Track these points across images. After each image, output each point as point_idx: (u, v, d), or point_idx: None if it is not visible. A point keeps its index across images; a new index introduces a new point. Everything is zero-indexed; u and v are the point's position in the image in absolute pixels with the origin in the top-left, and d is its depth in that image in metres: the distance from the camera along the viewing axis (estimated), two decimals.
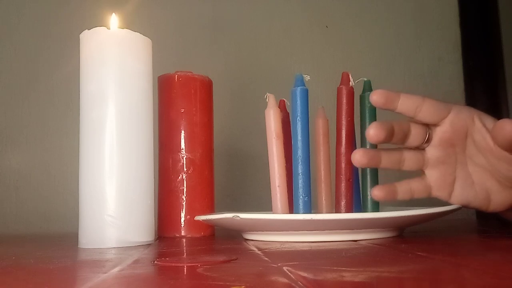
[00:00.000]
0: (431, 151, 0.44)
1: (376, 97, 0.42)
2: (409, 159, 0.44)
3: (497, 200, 0.43)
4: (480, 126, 0.42)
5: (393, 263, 0.32)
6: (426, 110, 0.42)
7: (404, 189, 0.44)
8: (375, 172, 0.52)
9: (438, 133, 0.43)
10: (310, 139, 0.51)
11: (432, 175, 0.44)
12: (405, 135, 0.43)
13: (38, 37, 0.87)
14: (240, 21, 0.94)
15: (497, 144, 0.40)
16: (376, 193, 0.43)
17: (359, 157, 0.42)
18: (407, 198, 0.44)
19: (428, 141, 0.44)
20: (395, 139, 0.42)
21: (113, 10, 0.52)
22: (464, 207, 0.45)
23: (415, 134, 0.43)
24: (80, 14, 0.85)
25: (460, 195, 0.44)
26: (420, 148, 0.44)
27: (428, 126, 0.44)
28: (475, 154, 0.43)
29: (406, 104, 0.42)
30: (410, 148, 0.44)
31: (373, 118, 0.53)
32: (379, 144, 0.45)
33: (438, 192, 0.44)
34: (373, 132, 0.41)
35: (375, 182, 0.52)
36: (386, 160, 0.43)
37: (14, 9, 0.87)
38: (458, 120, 0.43)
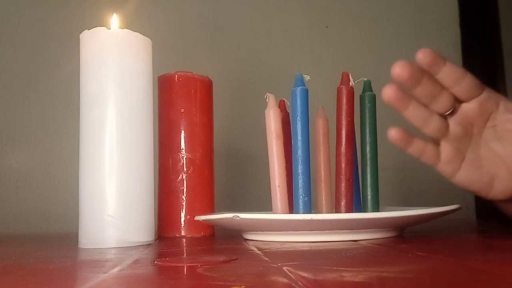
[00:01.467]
0: (451, 125, 0.43)
1: (423, 56, 0.40)
2: (435, 123, 0.42)
3: (500, 187, 0.43)
4: (504, 111, 0.42)
5: (393, 263, 0.32)
6: (465, 84, 0.41)
7: (418, 145, 0.42)
8: (375, 172, 0.52)
9: (464, 109, 0.43)
10: (310, 139, 0.51)
11: (445, 149, 0.43)
12: (433, 95, 0.41)
13: (38, 37, 0.87)
14: (240, 21, 0.94)
15: None
16: (393, 132, 0.42)
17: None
18: (416, 155, 0.43)
19: (453, 113, 0.43)
20: (421, 90, 0.41)
21: (113, 10, 0.52)
22: (464, 189, 0.45)
23: (444, 100, 0.42)
24: (80, 14, 0.85)
25: (464, 175, 0.44)
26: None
27: (456, 99, 0.43)
28: (492, 139, 0.43)
29: (449, 72, 0.41)
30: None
31: (373, 118, 0.53)
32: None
33: (444, 166, 0.44)
34: (399, 68, 0.40)
35: (375, 182, 0.52)
36: (414, 109, 0.42)
37: (14, 9, 0.87)
38: (486, 102, 0.42)
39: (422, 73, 0.40)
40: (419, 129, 0.43)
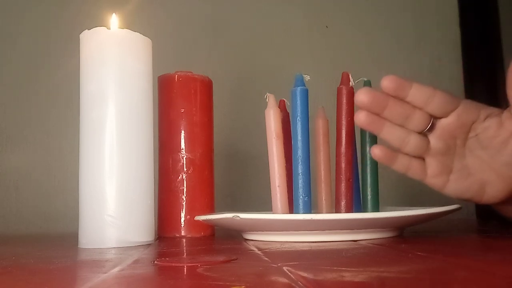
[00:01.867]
0: (432, 141, 0.43)
1: (387, 83, 0.40)
2: (414, 141, 0.42)
3: (491, 192, 0.44)
4: (483, 119, 0.42)
5: (393, 263, 0.32)
6: (436, 102, 0.41)
7: (403, 161, 0.43)
8: (375, 172, 0.52)
9: (443, 124, 0.43)
10: (310, 139, 0.51)
11: (431, 164, 0.44)
12: (405, 115, 0.42)
13: (38, 37, 0.87)
14: (240, 21, 0.94)
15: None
16: (376, 151, 0.42)
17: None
18: (402, 171, 0.43)
19: (431, 129, 0.43)
20: (389, 112, 0.41)
21: (113, 10, 0.52)
22: (457, 199, 0.45)
23: (418, 119, 0.42)
24: (80, 14, 0.85)
25: (453, 186, 0.44)
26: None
27: (433, 115, 0.43)
28: (476, 147, 0.43)
29: (417, 94, 0.41)
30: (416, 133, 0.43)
31: None
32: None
33: (432, 180, 0.44)
34: (362, 95, 0.41)
35: (375, 182, 0.52)
36: (390, 129, 0.42)
37: (15, 9, 0.87)
38: (465, 113, 0.42)
39: (386, 98, 0.41)
40: (398, 148, 0.43)
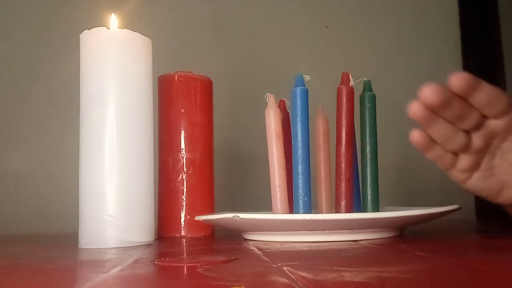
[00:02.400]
0: (474, 139, 0.41)
1: (458, 81, 0.37)
2: (459, 141, 0.40)
3: (508, 194, 0.43)
4: None
5: (393, 263, 0.32)
6: (499, 106, 0.39)
7: (437, 152, 0.41)
8: (375, 172, 0.52)
9: (491, 125, 0.40)
10: (310, 139, 0.51)
11: (464, 159, 0.42)
12: (462, 116, 0.39)
13: (38, 37, 0.87)
14: (240, 21, 0.94)
15: None
16: (416, 135, 0.40)
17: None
18: (434, 159, 0.41)
19: (478, 128, 0.41)
20: (452, 113, 0.38)
21: (113, 10, 0.52)
22: (473, 194, 0.45)
23: (471, 119, 0.39)
24: (80, 14, 0.85)
25: (475, 182, 0.43)
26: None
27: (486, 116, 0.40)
28: (508, 148, 0.42)
29: (483, 97, 0.38)
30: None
31: (373, 118, 0.53)
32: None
33: (457, 173, 0.43)
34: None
35: (375, 182, 0.52)
36: (440, 127, 0.39)
37: (14, 9, 0.87)
38: None
39: (452, 98, 0.38)
40: (440, 144, 0.41)
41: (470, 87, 0.37)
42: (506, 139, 0.42)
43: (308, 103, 0.51)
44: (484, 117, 0.40)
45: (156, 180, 0.57)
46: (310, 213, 0.50)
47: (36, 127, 0.85)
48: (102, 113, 0.48)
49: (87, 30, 0.50)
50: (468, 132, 0.41)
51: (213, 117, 0.63)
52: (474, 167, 0.43)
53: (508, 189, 0.43)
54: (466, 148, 0.41)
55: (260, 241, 0.48)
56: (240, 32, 0.93)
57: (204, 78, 0.62)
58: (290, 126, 0.53)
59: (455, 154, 0.42)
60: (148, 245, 0.49)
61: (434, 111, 0.39)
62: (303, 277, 0.25)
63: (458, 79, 0.37)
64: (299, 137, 0.50)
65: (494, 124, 0.40)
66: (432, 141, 0.41)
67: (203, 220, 0.50)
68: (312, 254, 0.37)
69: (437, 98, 0.37)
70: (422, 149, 0.41)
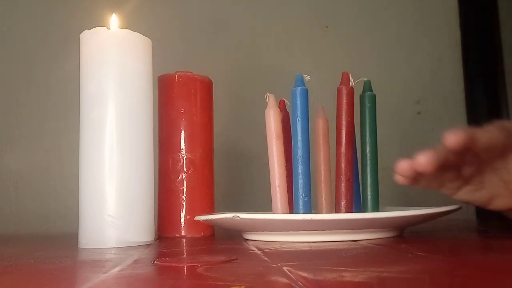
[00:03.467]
0: (466, 168, 0.42)
1: (453, 141, 0.36)
2: (449, 180, 0.42)
3: (498, 204, 0.44)
4: None
5: (393, 263, 0.32)
6: (494, 147, 0.39)
7: (423, 183, 0.42)
8: (375, 172, 0.52)
9: (483, 156, 0.41)
10: (310, 139, 0.51)
11: (451, 178, 0.42)
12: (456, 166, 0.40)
13: (38, 37, 0.87)
14: (240, 21, 0.94)
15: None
16: (399, 177, 0.40)
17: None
18: (422, 187, 0.42)
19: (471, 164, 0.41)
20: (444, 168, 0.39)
21: (113, 10, 0.52)
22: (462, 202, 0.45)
23: (465, 167, 0.41)
24: (80, 14, 0.85)
25: (465, 195, 0.44)
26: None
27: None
28: (501, 167, 0.42)
29: (480, 148, 0.38)
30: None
31: (373, 118, 0.53)
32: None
33: (446, 190, 0.43)
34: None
35: (375, 182, 0.52)
36: (427, 182, 0.41)
37: (14, 9, 0.87)
38: (507, 144, 0.40)
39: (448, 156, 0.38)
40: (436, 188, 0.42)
41: (466, 144, 0.36)
42: (499, 158, 0.42)
43: (308, 103, 0.51)
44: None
45: (156, 180, 0.57)
46: (310, 213, 0.50)
47: (36, 127, 0.85)
48: (102, 113, 0.48)
49: (87, 30, 0.50)
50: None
51: (213, 117, 0.63)
52: (462, 183, 0.43)
53: (498, 199, 0.43)
54: (455, 180, 0.42)
55: (260, 241, 0.48)
56: (240, 32, 0.93)
57: (204, 78, 0.62)
58: (290, 126, 0.53)
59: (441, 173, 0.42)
60: (148, 245, 0.49)
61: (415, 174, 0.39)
62: (303, 277, 0.25)
63: (454, 138, 0.36)
64: (299, 137, 0.50)
65: (486, 155, 0.40)
66: (416, 179, 0.40)
67: (203, 220, 0.50)
68: (312, 254, 0.37)
69: (432, 166, 0.37)
70: (410, 185, 0.41)
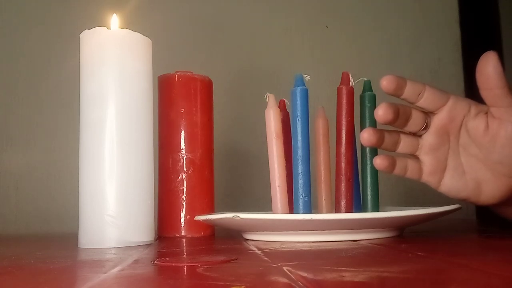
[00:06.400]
0: (426, 137, 0.45)
1: (386, 83, 0.42)
2: (405, 142, 0.45)
3: (488, 191, 0.44)
4: (474, 114, 0.43)
5: (393, 263, 0.32)
6: (427, 97, 0.43)
7: (401, 164, 0.45)
8: (375, 172, 0.52)
9: (435, 121, 0.44)
10: (310, 139, 0.51)
11: (425, 161, 0.45)
12: (407, 120, 0.44)
13: (38, 37, 0.87)
14: (240, 21, 0.94)
15: (482, 91, 0.43)
16: (378, 161, 0.44)
17: (368, 136, 0.43)
18: (402, 174, 0.45)
19: (426, 128, 0.45)
20: (398, 122, 0.44)
21: (113, 10, 0.52)
22: (454, 198, 0.46)
23: (415, 119, 0.44)
24: (80, 14, 0.85)
25: (449, 183, 0.45)
26: (417, 135, 0.46)
27: (427, 114, 0.45)
28: (468, 143, 0.44)
29: (410, 90, 0.43)
30: (406, 133, 0.46)
31: (373, 118, 0.53)
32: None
33: (428, 177, 0.45)
34: (381, 112, 0.42)
35: (375, 182, 0.52)
36: (387, 140, 0.45)
37: (14, 9, 0.87)
38: (455, 109, 0.44)
39: (399, 109, 0.43)
40: (392, 151, 0.46)
41: (398, 87, 0.43)
42: (460, 132, 0.45)
43: (308, 103, 0.51)
44: (429, 116, 0.45)
45: (156, 180, 0.57)
46: (310, 213, 0.50)
47: (36, 127, 0.85)
48: (102, 113, 0.48)
49: (87, 30, 0.50)
50: (419, 135, 0.45)
51: (213, 117, 0.63)
52: (440, 167, 0.45)
53: (486, 186, 0.44)
54: (417, 147, 0.45)
55: (260, 241, 0.48)
56: (240, 32, 0.93)
57: (204, 78, 0.62)
58: (290, 126, 0.53)
59: (417, 159, 0.45)
60: (148, 245, 0.49)
61: (379, 130, 0.44)
62: (303, 277, 0.25)
63: (387, 82, 0.42)
64: (299, 137, 0.50)
65: (438, 118, 0.44)
66: (393, 159, 0.45)
67: (203, 220, 0.50)
68: (312, 254, 0.37)
69: (391, 115, 0.42)
70: (388, 171, 0.45)
